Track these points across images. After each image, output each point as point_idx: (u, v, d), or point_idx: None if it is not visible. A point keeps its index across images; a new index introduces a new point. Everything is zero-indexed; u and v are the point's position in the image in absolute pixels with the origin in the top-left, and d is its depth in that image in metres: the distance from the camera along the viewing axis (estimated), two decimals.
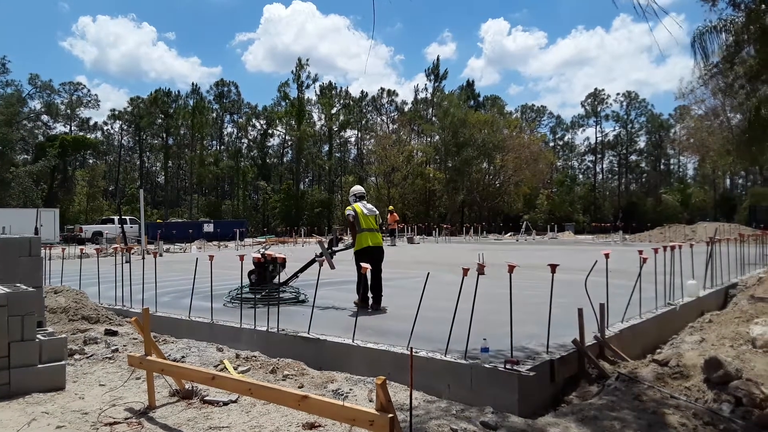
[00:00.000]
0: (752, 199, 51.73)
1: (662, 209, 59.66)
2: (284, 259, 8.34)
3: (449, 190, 55.46)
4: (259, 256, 8.93)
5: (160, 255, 19.64)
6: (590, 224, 53.90)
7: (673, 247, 8.68)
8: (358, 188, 9.24)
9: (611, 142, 74.18)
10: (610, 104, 73.30)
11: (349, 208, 8.68)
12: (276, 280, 8.98)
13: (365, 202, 8.88)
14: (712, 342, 6.34)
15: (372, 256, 8.26)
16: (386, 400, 3.22)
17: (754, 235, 18.62)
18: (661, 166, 75.91)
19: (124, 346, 7.04)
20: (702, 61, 10.23)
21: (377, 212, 8.69)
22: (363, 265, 6.45)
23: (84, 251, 11.45)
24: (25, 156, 59.26)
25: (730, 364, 5.09)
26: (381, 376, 3.28)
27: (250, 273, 9.40)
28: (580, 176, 77.73)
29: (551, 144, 75.22)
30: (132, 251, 10.99)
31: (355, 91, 76.20)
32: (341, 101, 71.62)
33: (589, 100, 74.57)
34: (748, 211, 47.97)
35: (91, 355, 6.59)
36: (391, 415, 3.18)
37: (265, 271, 9.27)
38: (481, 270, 5.77)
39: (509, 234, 43.67)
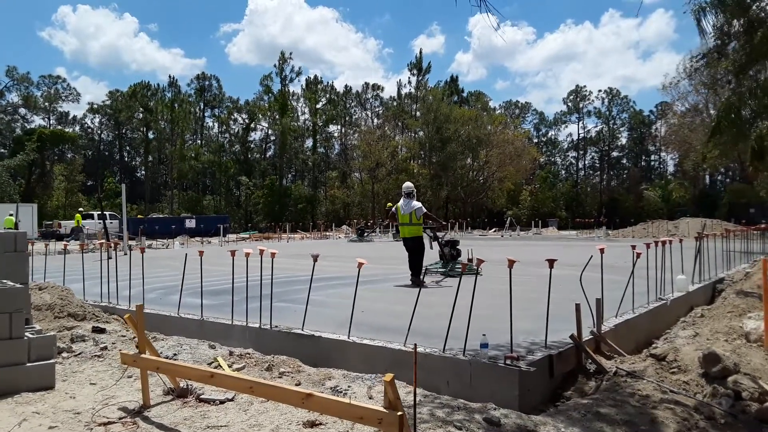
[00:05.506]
0: (730, 195, 52.57)
1: (643, 205, 60.33)
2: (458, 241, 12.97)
3: (433, 185, 55.54)
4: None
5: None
6: (573, 220, 54.34)
7: (663, 242, 8.72)
8: (404, 186, 11.14)
9: (593, 138, 74.83)
10: (592, 101, 74.01)
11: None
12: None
13: (409, 199, 10.71)
14: (707, 336, 6.38)
15: (404, 243, 10.91)
16: (395, 398, 3.16)
17: (736, 230, 18.88)
18: (642, 163, 76.76)
19: (113, 343, 6.88)
20: (701, 36, 10.19)
21: (415, 208, 10.51)
22: (359, 260, 6.37)
23: (67, 247, 11.21)
24: (2, 150, 58.19)
25: (727, 359, 5.12)
26: (389, 374, 3.21)
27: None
28: (563, 172, 78.32)
29: (535, 140, 75.65)
30: (118, 247, 10.86)
31: (341, 84, 76.13)
32: (327, 96, 71.24)
33: (572, 97, 75.15)
34: (727, 208, 48.75)
35: (79, 353, 6.43)
36: (400, 413, 3.12)
37: (443, 251, 12.27)
38: (479, 264, 5.73)
39: (493, 230, 43.87)
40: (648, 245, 8.30)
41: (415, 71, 66.33)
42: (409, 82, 67.63)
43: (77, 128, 73.41)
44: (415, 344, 3.95)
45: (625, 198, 64.94)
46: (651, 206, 59.54)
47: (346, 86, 74.30)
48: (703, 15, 9.67)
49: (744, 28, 10.40)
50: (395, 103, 69.01)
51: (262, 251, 7.11)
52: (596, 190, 72.11)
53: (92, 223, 36.28)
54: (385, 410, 3.18)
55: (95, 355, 6.37)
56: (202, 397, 4.88)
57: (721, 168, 56.09)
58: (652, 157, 77.76)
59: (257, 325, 7.03)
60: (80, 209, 35.14)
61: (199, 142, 73.69)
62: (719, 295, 10.25)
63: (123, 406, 4.74)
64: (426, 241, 11.38)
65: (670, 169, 73.49)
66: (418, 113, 63.02)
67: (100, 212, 34.46)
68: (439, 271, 11.96)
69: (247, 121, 70.78)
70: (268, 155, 73.43)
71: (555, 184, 70.39)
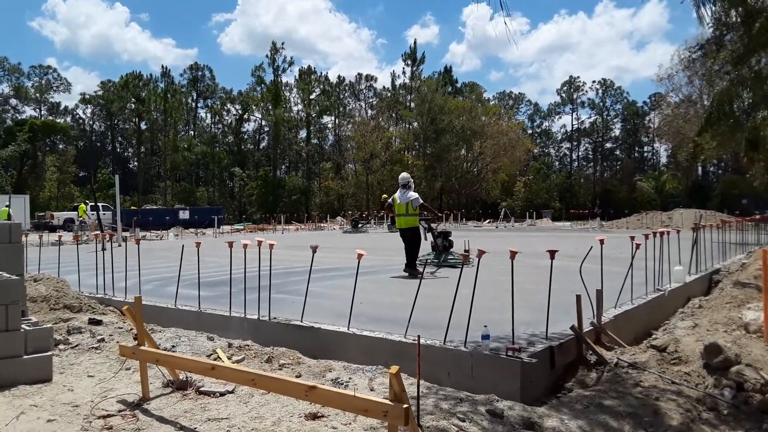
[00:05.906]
0: (723, 186, 52.79)
1: (636, 196, 60.51)
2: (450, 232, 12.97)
3: (428, 177, 55.48)
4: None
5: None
6: (567, 211, 54.45)
7: (661, 233, 8.72)
8: (400, 176, 11.25)
9: (587, 129, 74.90)
10: (586, 91, 74.01)
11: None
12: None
13: (406, 190, 10.74)
14: (706, 327, 6.37)
15: (401, 234, 10.95)
16: (401, 390, 3.13)
17: (730, 221, 18.97)
18: (636, 154, 76.92)
19: (110, 335, 6.82)
20: (700, 24, 10.13)
21: (411, 199, 10.53)
22: (359, 252, 6.33)
23: (61, 238, 11.09)
24: None
25: (729, 350, 5.11)
26: (394, 366, 3.18)
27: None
28: (557, 164, 78.42)
29: (529, 131, 75.64)
30: (113, 238, 10.81)
31: (335, 75, 75.62)
32: (320, 86, 70.85)
33: (565, 88, 75.13)
34: (720, 199, 49.00)
35: (76, 345, 6.37)
36: (406, 406, 3.09)
37: (437, 242, 12.32)
38: (480, 255, 5.69)
39: (488, 221, 43.90)
40: (647, 236, 8.29)
41: (409, 61, 66.05)
42: (404, 73, 67.44)
43: (69, 119, 72.87)
44: (419, 336, 3.92)
45: (619, 189, 65.10)
46: (644, 197, 59.70)
47: (339, 77, 74.07)
48: (703, 3, 9.60)
49: (742, 18, 10.35)
50: (389, 94, 68.74)
51: (260, 242, 7.05)
52: (590, 182, 72.25)
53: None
54: (390, 402, 3.14)
55: (92, 347, 6.31)
56: (202, 389, 4.83)
57: (714, 159, 56.23)
58: (645, 149, 77.94)
59: (256, 317, 6.98)
60: (86, 200, 34.73)
61: (192, 133, 73.22)
62: (716, 286, 10.28)
63: (122, 398, 4.68)
64: (422, 231, 11.36)
65: (663, 160, 73.73)
66: (412, 104, 62.83)
67: (93, 203, 34.21)
68: (432, 262, 11.99)
69: (240, 111, 70.35)
70: (261, 146, 73.05)
71: (549, 175, 70.49)
